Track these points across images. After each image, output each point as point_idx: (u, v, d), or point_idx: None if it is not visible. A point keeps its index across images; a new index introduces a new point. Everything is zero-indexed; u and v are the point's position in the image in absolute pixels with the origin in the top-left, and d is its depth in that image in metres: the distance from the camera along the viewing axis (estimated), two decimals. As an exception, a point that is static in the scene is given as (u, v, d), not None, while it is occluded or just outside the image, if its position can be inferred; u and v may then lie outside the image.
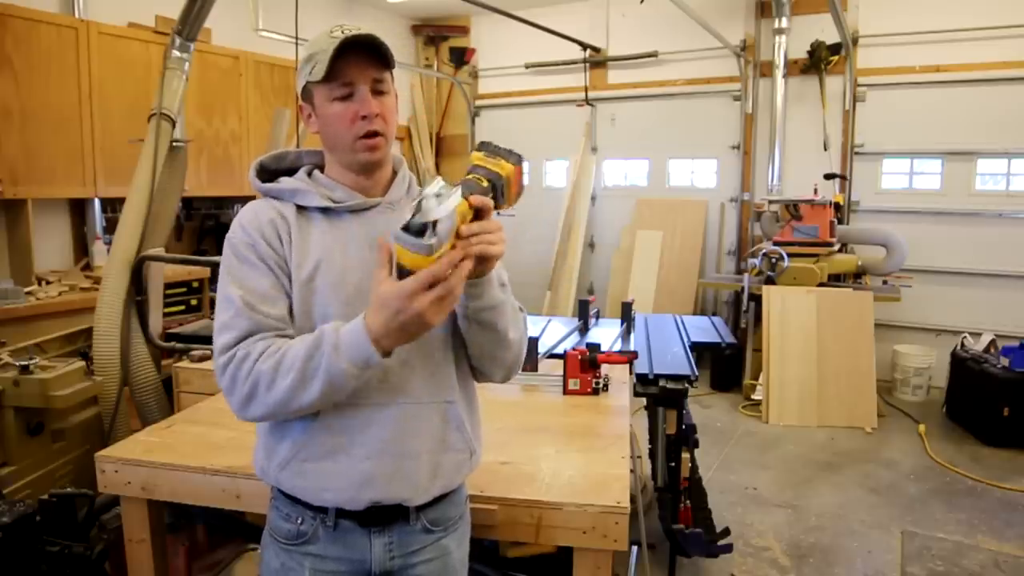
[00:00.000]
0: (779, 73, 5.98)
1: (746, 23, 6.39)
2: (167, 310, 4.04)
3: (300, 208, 1.30)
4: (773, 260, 5.37)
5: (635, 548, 2.63)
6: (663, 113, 6.92)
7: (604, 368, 2.50)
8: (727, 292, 6.40)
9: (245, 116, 5.37)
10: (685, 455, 2.81)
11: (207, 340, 3.04)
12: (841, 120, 6.07)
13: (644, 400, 2.88)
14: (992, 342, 5.04)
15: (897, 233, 5.52)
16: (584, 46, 6.86)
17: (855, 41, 5.88)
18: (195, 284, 4.82)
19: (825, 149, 5.98)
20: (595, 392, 2.43)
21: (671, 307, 6.08)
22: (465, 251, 1.08)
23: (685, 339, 3.34)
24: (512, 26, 6.26)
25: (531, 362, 2.60)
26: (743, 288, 5.37)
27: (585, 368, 2.43)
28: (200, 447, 1.93)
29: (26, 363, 2.43)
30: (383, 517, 1.30)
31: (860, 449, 4.53)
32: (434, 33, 7.80)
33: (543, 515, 1.62)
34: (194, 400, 2.57)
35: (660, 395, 2.75)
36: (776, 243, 5.52)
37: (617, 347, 3.07)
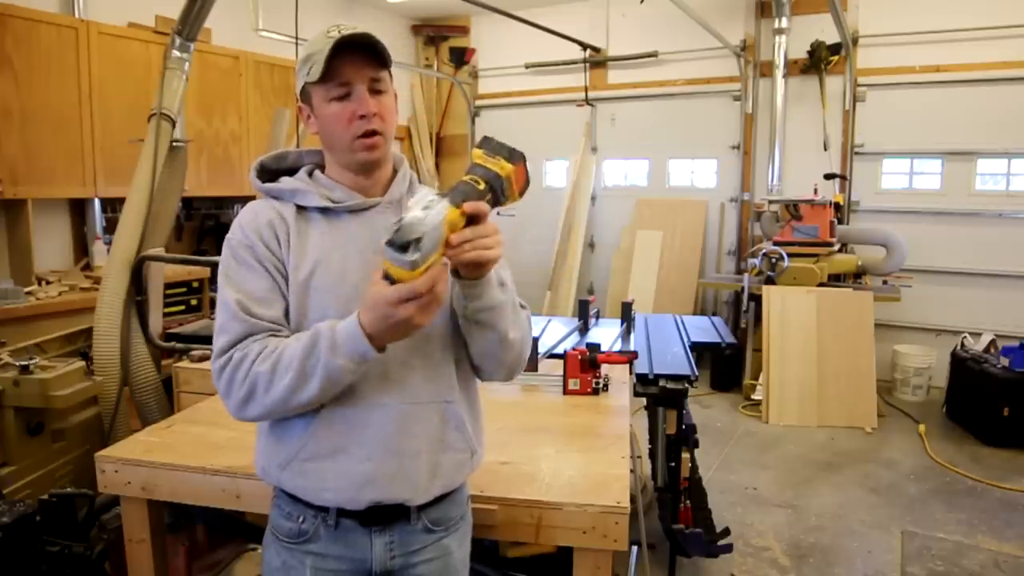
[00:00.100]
0: (779, 73, 5.98)
1: (746, 23, 6.39)
2: (167, 310, 4.04)
3: (300, 208, 1.31)
4: (773, 260, 5.37)
5: (635, 548, 2.63)
6: (663, 113, 6.92)
7: (604, 368, 2.50)
8: (727, 292, 6.40)
9: (245, 116, 5.37)
10: (685, 455, 2.81)
11: (207, 340, 3.05)
12: (841, 120, 6.07)
13: (644, 400, 2.88)
14: (992, 342, 5.04)
15: (897, 233, 5.52)
16: (584, 46, 6.86)
17: (855, 41, 5.88)
18: (195, 284, 4.82)
19: (825, 149, 5.98)
20: (595, 392, 2.43)
21: (671, 307, 6.08)
22: (454, 262, 1.11)
23: (685, 339, 3.34)
24: (512, 26, 6.26)
25: (531, 362, 2.60)
26: (743, 288, 5.37)
27: (585, 368, 2.43)
28: (200, 447, 1.93)
29: (26, 363, 2.43)
30: (384, 516, 1.30)
31: (860, 449, 4.53)
32: (434, 33, 7.80)
33: (543, 515, 1.62)
34: (194, 400, 2.57)
35: (660, 395, 2.75)
36: (776, 243, 5.52)
37: (617, 347, 3.07)
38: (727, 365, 5.71)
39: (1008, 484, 3.97)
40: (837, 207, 5.72)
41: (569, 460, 1.87)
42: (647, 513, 3.20)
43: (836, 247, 5.60)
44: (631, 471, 1.93)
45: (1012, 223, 5.57)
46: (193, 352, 2.93)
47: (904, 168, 6.05)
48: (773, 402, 5.03)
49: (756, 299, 5.38)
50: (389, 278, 1.06)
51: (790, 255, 5.33)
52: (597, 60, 7.05)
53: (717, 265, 6.69)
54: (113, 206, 4.59)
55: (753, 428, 4.93)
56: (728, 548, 3.00)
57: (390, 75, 1.30)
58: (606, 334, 3.29)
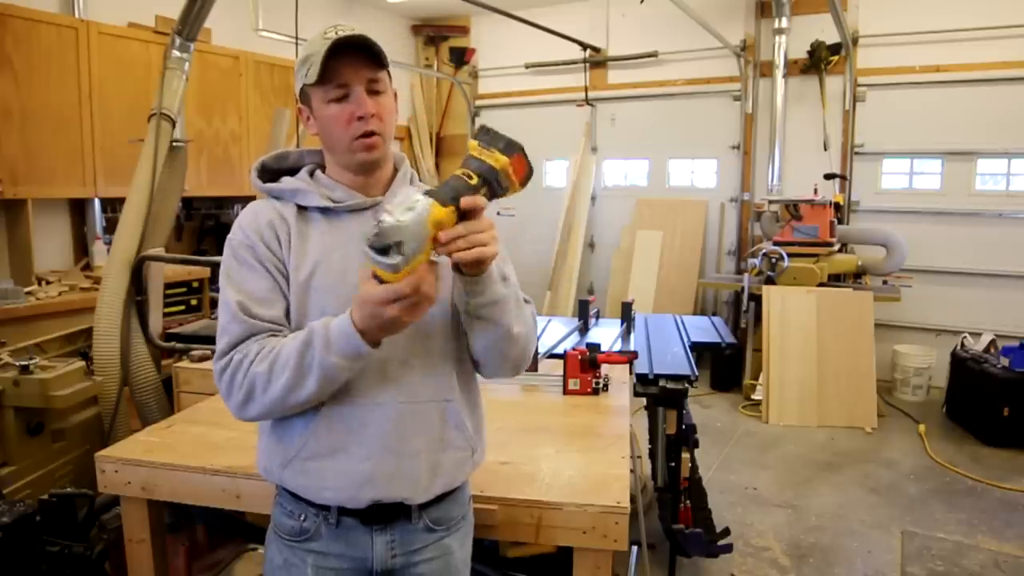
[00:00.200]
0: (779, 73, 5.98)
1: (746, 23, 6.39)
2: (167, 310, 4.04)
3: (300, 208, 1.31)
4: (773, 260, 5.37)
5: (635, 548, 2.63)
6: (663, 113, 6.92)
7: (604, 368, 2.50)
8: (727, 292, 6.40)
9: (245, 116, 5.37)
10: (685, 455, 2.81)
11: (207, 340, 3.05)
12: (841, 120, 6.07)
13: (644, 400, 2.88)
14: (992, 342, 5.04)
15: (897, 233, 5.52)
16: (584, 46, 6.86)
17: (855, 41, 5.88)
18: (195, 284, 4.82)
19: (825, 149, 5.98)
20: (595, 392, 2.43)
21: (671, 307, 6.09)
22: (452, 259, 1.10)
23: (685, 339, 3.34)
24: (512, 26, 6.26)
25: (531, 362, 2.59)
26: (743, 288, 5.37)
27: (585, 368, 2.43)
28: (200, 447, 1.93)
29: (26, 363, 2.43)
30: (385, 515, 1.30)
31: (860, 449, 4.53)
32: (434, 33, 7.80)
33: (543, 515, 1.62)
34: (194, 400, 2.57)
35: (660, 395, 2.75)
36: (776, 243, 5.52)
37: (617, 347, 3.07)
38: (727, 365, 5.71)
39: (1008, 484, 3.97)
40: (837, 207, 5.72)
41: (569, 460, 1.87)
42: (647, 513, 3.20)
43: (836, 247, 5.60)
44: (631, 471, 1.93)
45: (1012, 223, 5.57)
46: (193, 352, 2.93)
47: (904, 168, 6.05)
48: (773, 402, 5.03)
49: (756, 299, 5.38)
50: (378, 277, 1.06)
51: (790, 255, 5.33)
52: (597, 60, 7.05)
53: (717, 265, 6.69)
54: (113, 206, 4.59)
55: (753, 428, 4.93)
56: (728, 548, 3.00)
57: (389, 75, 1.30)
58: (606, 334, 3.29)
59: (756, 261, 5.49)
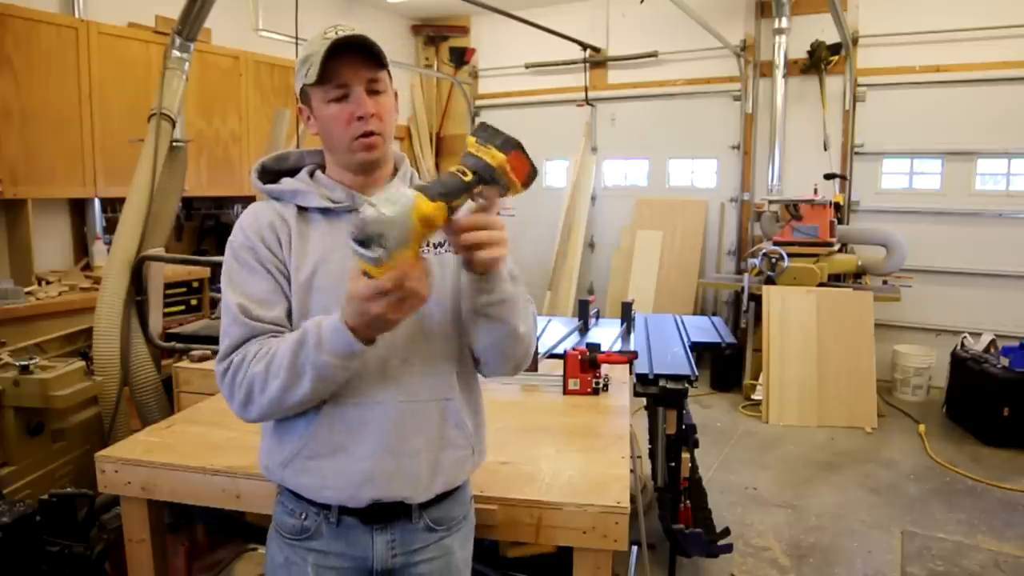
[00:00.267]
0: (779, 73, 5.98)
1: (746, 23, 6.39)
2: (167, 310, 4.04)
3: (301, 209, 1.31)
4: (773, 260, 5.37)
5: (635, 548, 2.63)
6: (663, 113, 6.92)
7: (604, 368, 2.50)
8: (727, 292, 6.40)
9: (245, 116, 5.37)
10: (685, 455, 2.81)
11: (207, 340, 3.05)
12: (841, 120, 6.07)
13: (644, 400, 2.88)
14: (992, 342, 5.04)
15: (897, 233, 5.52)
16: (584, 46, 6.86)
17: (855, 41, 5.88)
18: (195, 284, 4.82)
19: (825, 149, 5.98)
20: (595, 392, 2.43)
21: (671, 307, 6.08)
22: (467, 256, 1.09)
23: (685, 339, 3.34)
24: (512, 26, 6.26)
25: (531, 362, 2.59)
26: (743, 288, 5.37)
27: (585, 368, 2.43)
28: (200, 447, 1.93)
29: (26, 363, 2.43)
30: (385, 515, 1.30)
31: (860, 449, 4.53)
32: (434, 33, 7.80)
33: (543, 515, 1.62)
34: (194, 400, 2.57)
35: (660, 395, 2.75)
36: (776, 243, 5.52)
37: (617, 347, 3.07)
38: (727, 365, 5.71)
39: (1008, 484, 3.97)
40: (837, 207, 5.72)
41: (569, 460, 1.86)
42: (647, 513, 3.20)
43: (836, 247, 5.60)
44: (631, 471, 1.93)
45: (1012, 223, 5.57)
46: (193, 352, 2.92)
47: (904, 168, 6.05)
48: (773, 402, 5.03)
49: (756, 299, 5.38)
50: (367, 274, 1.05)
51: (790, 255, 5.33)
52: (597, 60, 7.05)
53: (717, 265, 6.69)
54: (113, 206, 4.59)
55: (753, 428, 4.93)
56: (728, 548, 3.00)
57: (389, 75, 1.30)
58: (606, 334, 3.29)
59: (756, 261, 5.49)
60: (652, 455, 2.95)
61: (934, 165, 5.90)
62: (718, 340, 3.44)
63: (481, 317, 1.24)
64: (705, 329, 3.68)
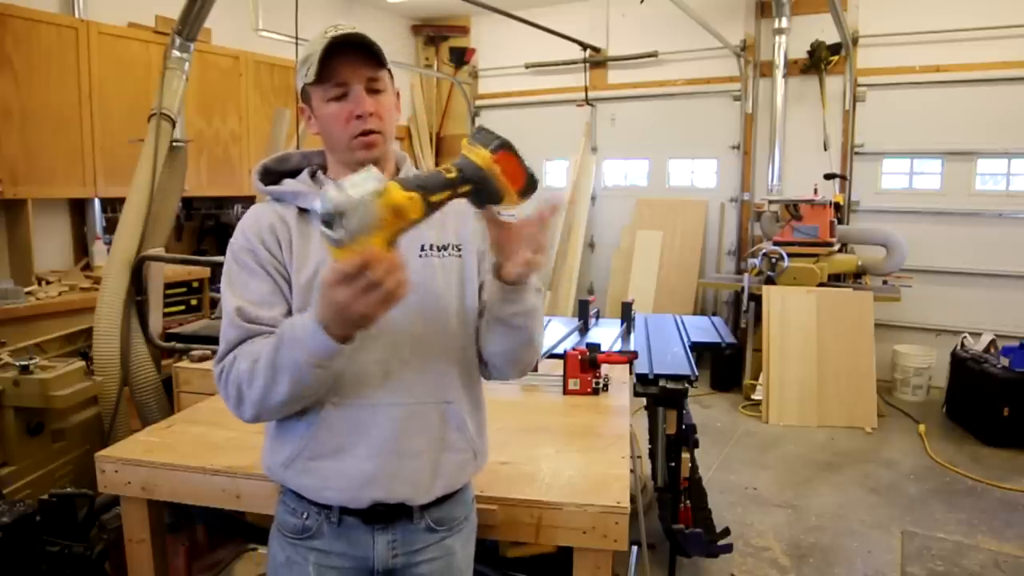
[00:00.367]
0: (779, 73, 5.99)
1: (746, 23, 6.39)
2: (167, 310, 4.04)
3: (302, 210, 1.31)
4: (773, 260, 5.37)
5: (635, 548, 2.63)
6: (663, 113, 6.92)
7: (604, 368, 2.50)
8: (727, 292, 6.40)
9: (245, 116, 5.37)
10: (685, 455, 2.81)
11: (207, 340, 3.05)
12: (841, 120, 6.07)
13: (644, 400, 2.88)
14: (992, 342, 5.04)
15: (897, 233, 5.52)
16: (584, 46, 6.86)
17: (855, 41, 5.88)
18: (195, 284, 4.83)
19: (825, 149, 5.98)
20: (595, 392, 2.43)
21: (671, 307, 6.08)
22: (510, 260, 1.10)
23: (685, 339, 3.34)
24: (512, 26, 6.26)
25: (531, 362, 2.60)
26: (743, 288, 5.37)
27: (585, 368, 2.43)
28: (200, 447, 1.93)
29: (26, 363, 2.43)
30: (386, 515, 1.30)
31: (860, 449, 4.53)
32: (434, 33, 7.80)
33: (543, 515, 1.62)
34: (194, 400, 2.57)
35: (660, 395, 2.75)
36: (776, 243, 5.52)
37: (617, 347, 3.07)
38: (727, 365, 5.71)
39: (1008, 484, 3.97)
40: (837, 207, 5.72)
41: (569, 460, 1.86)
42: (647, 513, 3.20)
43: (836, 247, 5.60)
44: (631, 471, 1.93)
45: (1012, 223, 5.57)
46: (193, 352, 2.92)
47: (904, 168, 6.05)
48: (773, 402, 5.03)
49: (756, 299, 5.38)
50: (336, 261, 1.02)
51: (790, 255, 5.33)
52: (597, 60, 7.05)
53: (717, 265, 6.69)
54: (113, 206, 4.59)
55: (753, 428, 4.93)
56: (728, 548, 3.00)
57: (390, 74, 1.30)
58: (606, 334, 3.29)
59: (756, 261, 5.49)
60: (652, 455, 2.95)
61: (934, 165, 5.90)
62: (718, 340, 3.45)
63: (503, 326, 1.25)
64: (705, 329, 3.68)
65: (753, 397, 5.35)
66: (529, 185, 1.12)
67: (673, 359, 2.99)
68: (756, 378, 5.41)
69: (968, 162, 5.70)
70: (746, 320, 5.48)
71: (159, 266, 3.34)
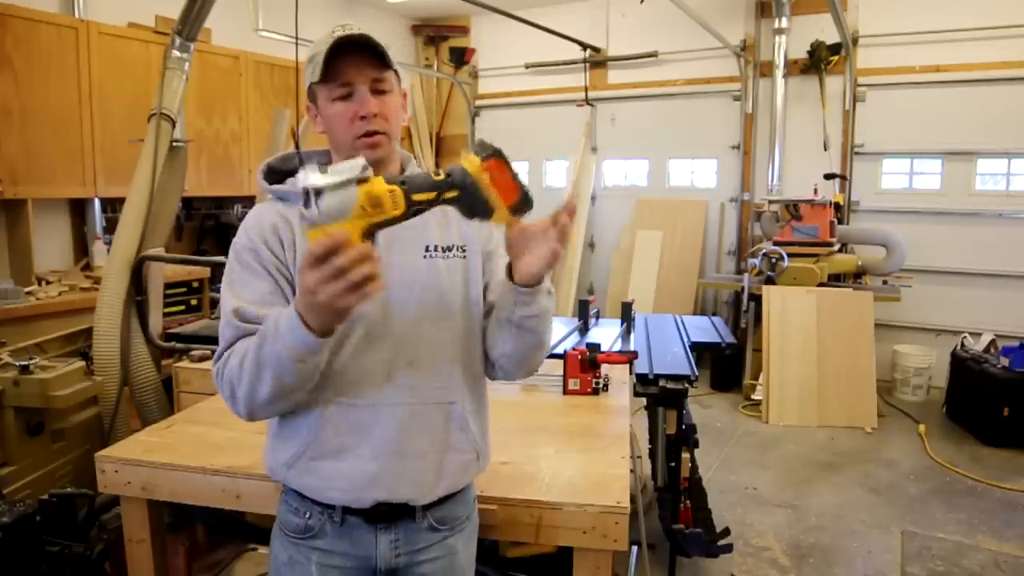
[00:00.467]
0: (779, 73, 5.99)
1: (746, 23, 6.39)
2: (167, 310, 4.04)
3: (305, 209, 1.31)
4: (773, 260, 5.37)
5: (635, 548, 2.63)
6: (663, 113, 6.92)
7: (604, 368, 2.50)
8: (727, 292, 6.40)
9: (245, 116, 5.37)
10: (685, 455, 2.81)
11: (207, 340, 3.05)
12: (841, 120, 6.07)
13: (644, 400, 2.88)
14: (992, 342, 5.04)
15: (897, 233, 5.52)
16: (584, 46, 6.86)
17: (855, 41, 5.88)
18: (195, 284, 4.82)
19: (825, 149, 5.98)
20: (595, 392, 2.43)
21: (671, 307, 6.08)
22: (524, 256, 1.12)
23: (685, 339, 3.34)
24: (512, 26, 6.26)
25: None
26: (743, 288, 5.37)
27: (585, 368, 2.43)
28: (200, 447, 1.93)
29: (26, 363, 2.43)
30: (389, 515, 1.30)
31: (860, 449, 4.53)
32: (434, 33, 7.80)
33: (543, 515, 1.62)
34: (194, 400, 2.57)
35: (660, 395, 2.75)
36: (776, 243, 5.52)
37: (617, 347, 3.07)
38: (727, 365, 5.71)
39: (1008, 484, 3.97)
40: (837, 207, 5.72)
41: (569, 460, 1.86)
42: (647, 513, 3.20)
43: (836, 247, 5.60)
44: (631, 471, 1.93)
45: (1012, 223, 5.57)
46: (193, 352, 2.92)
47: (904, 168, 6.05)
48: (773, 402, 5.03)
49: (756, 299, 5.38)
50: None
51: (790, 255, 5.33)
52: (597, 60, 7.05)
53: (717, 265, 6.69)
54: (113, 206, 4.59)
55: (753, 428, 4.93)
56: (728, 548, 3.00)
57: (396, 74, 1.30)
58: (606, 334, 3.29)
59: (756, 261, 5.49)
60: (652, 455, 2.95)
61: (934, 165, 5.90)
62: (718, 340, 3.45)
63: (514, 328, 1.25)
64: (705, 329, 3.68)
65: (753, 397, 5.35)
66: (523, 202, 1.12)
67: (673, 359, 2.99)
68: (756, 378, 5.41)
69: (968, 162, 5.70)
70: (746, 320, 5.48)
71: (159, 266, 3.34)
